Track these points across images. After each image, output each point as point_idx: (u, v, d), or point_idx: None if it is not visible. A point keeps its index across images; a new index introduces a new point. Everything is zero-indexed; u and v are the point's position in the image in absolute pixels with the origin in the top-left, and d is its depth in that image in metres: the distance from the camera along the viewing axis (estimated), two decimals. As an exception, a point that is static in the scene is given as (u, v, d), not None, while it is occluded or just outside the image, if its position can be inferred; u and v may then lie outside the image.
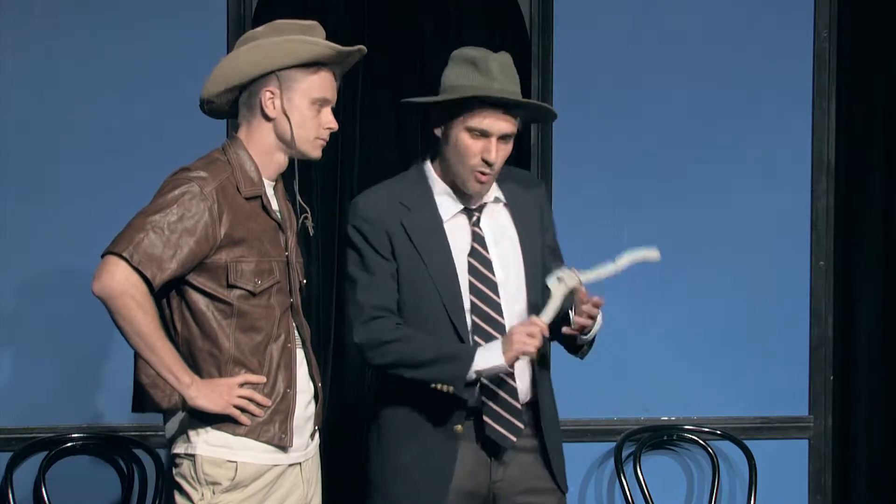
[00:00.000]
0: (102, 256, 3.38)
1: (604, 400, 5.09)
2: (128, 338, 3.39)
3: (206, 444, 3.41)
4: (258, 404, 3.40)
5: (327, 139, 3.56)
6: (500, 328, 3.65)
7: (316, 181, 5.16)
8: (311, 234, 3.74)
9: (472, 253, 3.65)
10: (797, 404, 5.11)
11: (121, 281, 3.34)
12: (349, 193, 5.03)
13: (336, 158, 5.22)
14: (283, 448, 3.43)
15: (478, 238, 3.68)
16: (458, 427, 3.65)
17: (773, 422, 5.08)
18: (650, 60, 5.11)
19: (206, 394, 3.37)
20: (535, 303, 3.73)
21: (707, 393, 5.10)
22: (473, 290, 3.66)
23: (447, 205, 3.66)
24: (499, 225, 3.76)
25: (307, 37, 3.53)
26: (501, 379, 3.70)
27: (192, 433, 3.43)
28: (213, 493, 3.39)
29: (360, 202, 3.74)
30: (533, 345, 3.68)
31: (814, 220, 5.14)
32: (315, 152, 3.55)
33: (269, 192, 3.56)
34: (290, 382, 3.48)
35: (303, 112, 3.50)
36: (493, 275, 3.70)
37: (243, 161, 3.49)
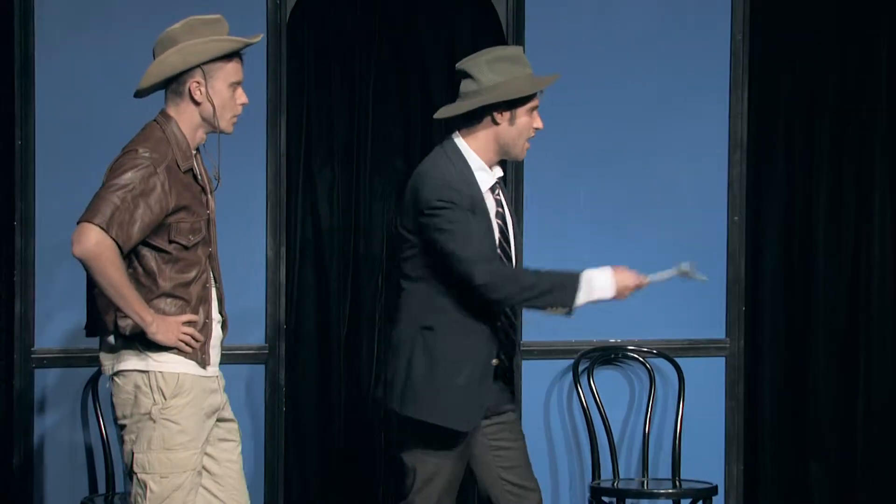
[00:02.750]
0: (78, 223, 3.61)
1: (564, 325, 4.96)
2: (103, 288, 3.64)
3: (156, 361, 3.69)
4: (195, 339, 3.71)
5: (240, 113, 3.79)
6: None
7: (337, 174, 5.50)
8: (219, 183, 3.94)
9: (499, 216, 4.04)
10: (716, 329, 5.54)
11: (97, 244, 3.57)
12: (365, 179, 5.42)
13: (353, 139, 5.56)
14: (204, 365, 3.73)
15: (501, 206, 4.05)
16: (495, 361, 4.01)
17: (698, 343, 5.49)
18: (601, 59, 5.36)
19: (163, 331, 3.63)
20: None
21: (646, 319, 5.48)
22: (501, 248, 4.04)
23: (483, 179, 3.99)
24: (504, 197, 4.12)
25: (222, 35, 3.76)
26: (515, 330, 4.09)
27: (142, 353, 3.71)
28: (165, 397, 3.70)
29: (440, 180, 3.97)
30: (629, 294, 4.10)
31: (730, 184, 5.54)
32: (231, 129, 3.78)
33: (196, 162, 3.78)
34: (209, 314, 3.76)
35: (223, 95, 3.71)
36: (509, 240, 4.10)
37: (178, 138, 3.69)
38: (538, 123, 3.97)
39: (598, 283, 3.96)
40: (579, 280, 3.92)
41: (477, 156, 3.93)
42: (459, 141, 3.93)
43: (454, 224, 3.88)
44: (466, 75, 3.95)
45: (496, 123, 3.89)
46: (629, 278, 3.98)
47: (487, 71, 3.90)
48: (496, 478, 4.11)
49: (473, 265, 3.86)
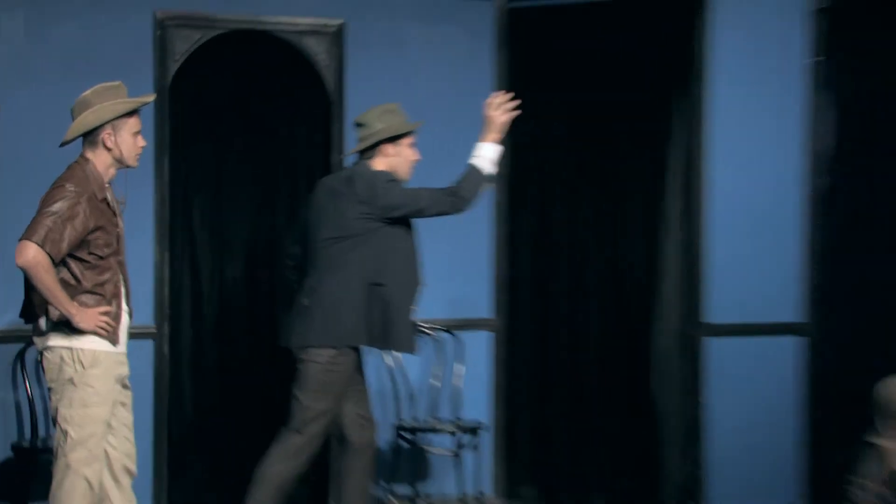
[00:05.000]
0: (20, 241, 3.83)
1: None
2: (39, 290, 3.86)
3: (77, 340, 3.92)
4: (109, 325, 3.94)
5: (140, 152, 4.01)
6: None
7: (206, 199, 5.87)
8: (124, 206, 4.05)
9: None
10: (485, 310, 6.14)
11: (34, 257, 3.79)
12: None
13: (219, 174, 5.98)
14: (115, 344, 3.95)
15: None
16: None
17: (471, 321, 6.09)
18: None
19: (85, 320, 3.86)
20: None
21: (433, 302, 5.64)
22: None
23: None
24: None
25: (125, 99, 3.98)
26: None
27: (67, 334, 3.93)
28: (83, 367, 3.93)
29: (375, 172, 4.48)
30: (506, 114, 4.41)
31: (497, 203, 6.02)
32: (136, 163, 4.01)
33: (108, 192, 3.96)
34: (119, 306, 3.99)
35: (128, 141, 3.95)
36: None
37: (95, 175, 3.90)
38: (415, 155, 4.56)
39: (486, 154, 4.48)
40: (479, 164, 4.45)
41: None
42: (369, 163, 4.51)
43: (407, 191, 4.48)
44: (362, 125, 4.56)
45: (386, 155, 4.50)
46: (492, 118, 4.43)
47: (376, 119, 4.52)
48: (351, 411, 4.60)
49: (442, 202, 4.44)
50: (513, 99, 4.57)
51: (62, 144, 3.95)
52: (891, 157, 5.95)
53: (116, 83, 4.00)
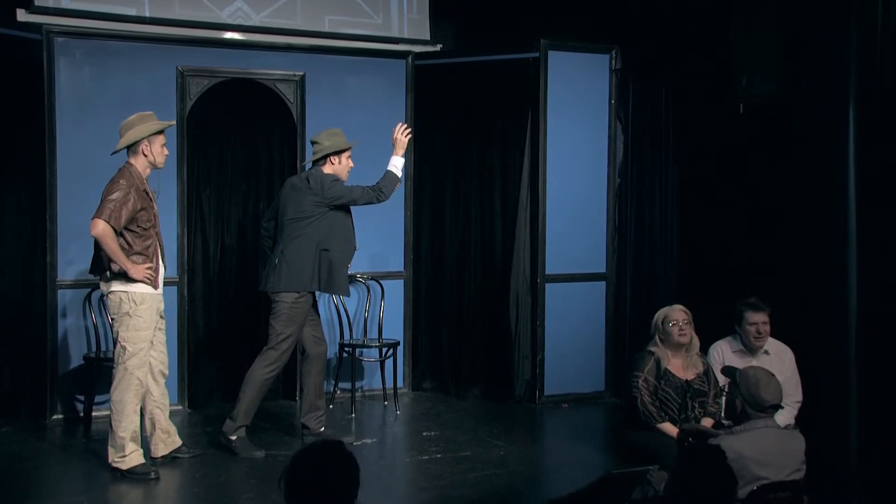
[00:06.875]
0: (92, 219, 4.34)
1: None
2: (106, 251, 4.30)
3: (131, 286, 4.41)
4: (151, 275, 4.40)
5: (166, 156, 4.46)
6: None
7: (212, 191, 6.21)
8: (158, 194, 4.35)
9: None
10: (399, 264, 6.83)
11: (103, 229, 4.32)
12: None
13: (222, 174, 6.43)
14: (155, 288, 4.48)
15: None
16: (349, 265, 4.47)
17: (390, 273, 6.77)
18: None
19: (136, 272, 4.39)
20: None
21: (365, 259, 6.26)
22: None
23: None
24: None
25: (157, 122, 4.49)
26: None
27: (124, 282, 4.39)
28: (135, 304, 4.45)
29: (326, 174, 4.67)
30: (406, 137, 4.81)
31: (405, 197, 6.72)
32: (162, 166, 4.52)
33: (146, 186, 4.52)
34: (158, 263, 4.52)
35: (157, 150, 4.52)
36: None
37: (137, 174, 4.46)
38: (351, 164, 5.12)
39: (396, 163, 5.00)
40: (393, 171, 4.94)
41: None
42: (320, 169, 5.06)
43: (345, 187, 5.04)
44: (315, 143, 5.11)
45: (332, 164, 5.11)
46: (398, 140, 4.91)
47: (325, 139, 5.12)
48: (309, 333, 5.18)
49: (369, 196, 4.92)
50: (415, 125, 5.05)
51: (113, 153, 4.64)
52: (659, 165, 6.89)
53: (150, 112, 4.74)
